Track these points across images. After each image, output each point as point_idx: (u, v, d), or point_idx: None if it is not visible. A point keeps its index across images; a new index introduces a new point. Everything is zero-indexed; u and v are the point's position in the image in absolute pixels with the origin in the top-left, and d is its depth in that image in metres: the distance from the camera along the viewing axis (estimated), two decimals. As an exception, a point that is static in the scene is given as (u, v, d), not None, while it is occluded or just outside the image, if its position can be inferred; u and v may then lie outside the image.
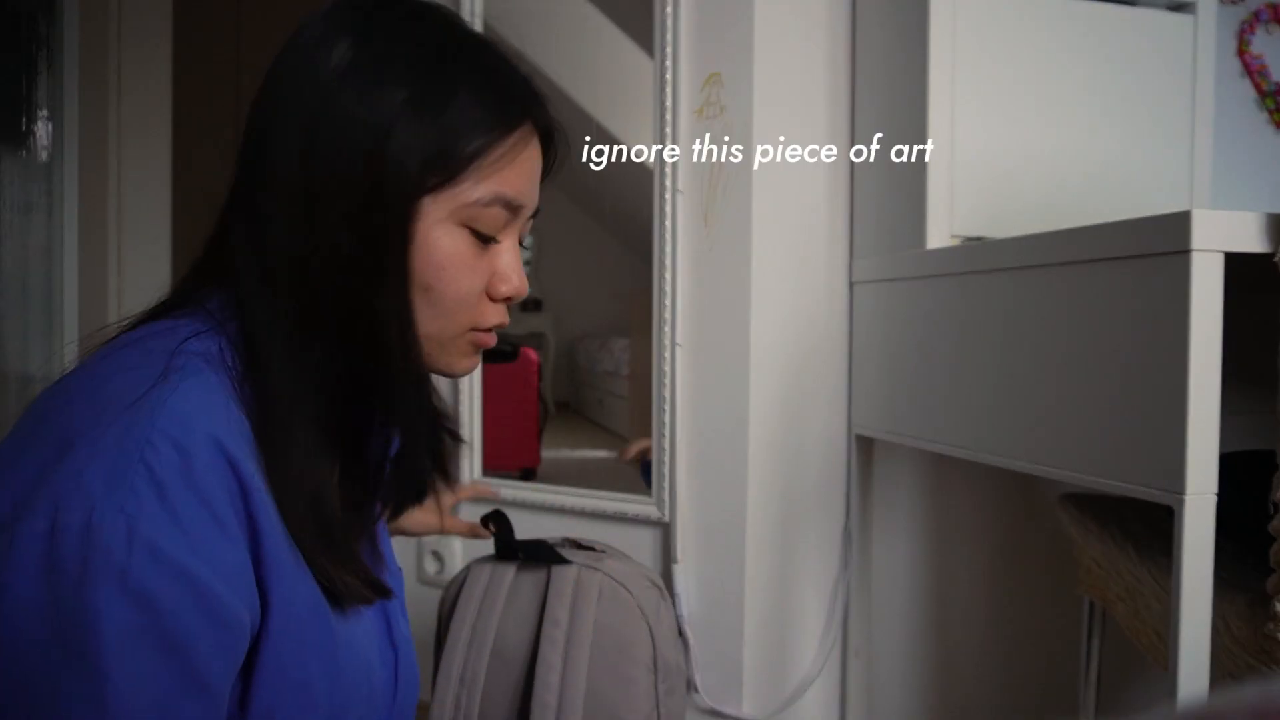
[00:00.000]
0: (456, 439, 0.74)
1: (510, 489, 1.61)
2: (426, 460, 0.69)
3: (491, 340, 0.67)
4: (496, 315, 0.66)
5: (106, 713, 0.48)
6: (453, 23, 0.65)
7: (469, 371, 0.68)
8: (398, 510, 0.73)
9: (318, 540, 0.58)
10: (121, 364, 0.56)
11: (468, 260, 0.62)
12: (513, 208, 0.64)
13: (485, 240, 0.63)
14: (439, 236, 0.61)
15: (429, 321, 0.62)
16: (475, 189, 0.61)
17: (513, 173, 0.63)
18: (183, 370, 0.54)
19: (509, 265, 0.65)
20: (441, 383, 1.67)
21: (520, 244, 0.68)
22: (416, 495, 0.72)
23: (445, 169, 0.60)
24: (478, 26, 1.60)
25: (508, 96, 0.63)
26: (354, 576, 0.61)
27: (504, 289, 0.65)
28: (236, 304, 0.60)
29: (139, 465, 0.50)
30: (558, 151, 0.70)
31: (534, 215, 0.68)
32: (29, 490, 0.49)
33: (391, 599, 0.67)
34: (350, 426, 0.62)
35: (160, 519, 0.50)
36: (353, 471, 0.65)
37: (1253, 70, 1.80)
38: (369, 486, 0.67)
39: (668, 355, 1.43)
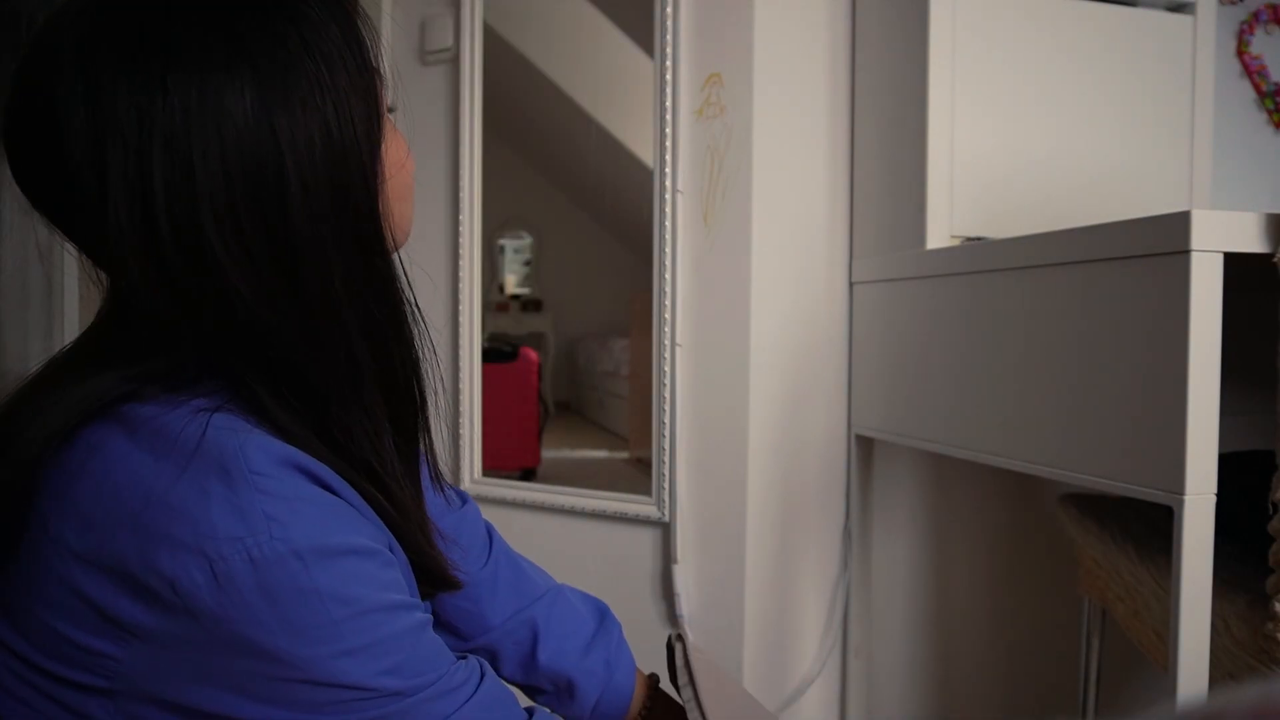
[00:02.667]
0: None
1: (510, 489, 1.61)
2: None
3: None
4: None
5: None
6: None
7: None
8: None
9: (415, 516, 0.61)
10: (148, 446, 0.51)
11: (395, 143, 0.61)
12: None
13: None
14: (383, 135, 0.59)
15: (402, 215, 0.62)
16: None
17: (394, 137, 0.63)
18: (221, 424, 0.52)
19: (398, 140, 0.63)
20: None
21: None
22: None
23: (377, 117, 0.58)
24: (477, 26, 1.60)
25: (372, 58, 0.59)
26: (441, 558, 0.64)
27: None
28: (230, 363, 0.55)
29: (255, 494, 0.49)
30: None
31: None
32: (157, 557, 0.48)
33: (460, 589, 0.68)
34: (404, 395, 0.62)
35: (308, 522, 0.51)
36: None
37: (1252, 70, 1.80)
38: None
39: (668, 355, 1.43)
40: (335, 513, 0.53)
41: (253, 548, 0.48)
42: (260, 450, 0.51)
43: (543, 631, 0.82)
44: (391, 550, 0.59)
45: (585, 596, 0.88)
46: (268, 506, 0.49)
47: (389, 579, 0.55)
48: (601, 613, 0.87)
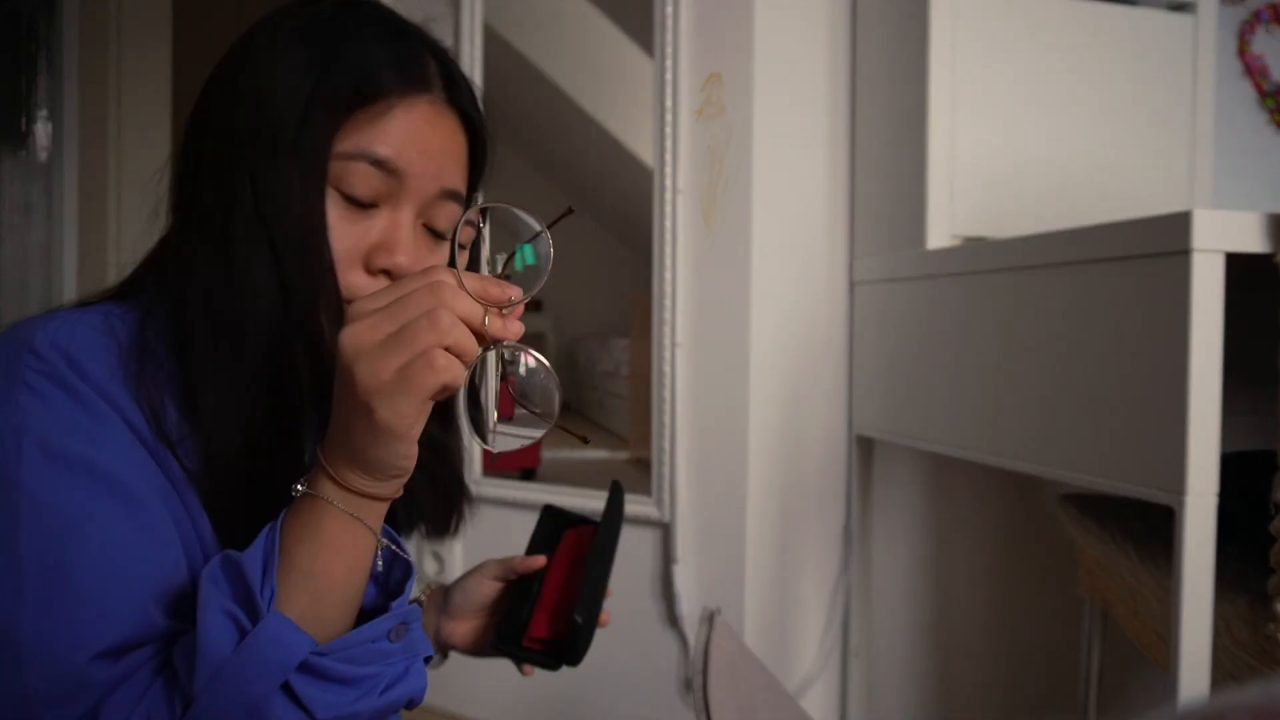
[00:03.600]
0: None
1: (510, 489, 1.61)
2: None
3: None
4: (369, 288, 0.59)
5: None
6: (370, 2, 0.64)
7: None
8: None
9: (240, 482, 0.57)
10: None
11: (335, 221, 0.58)
12: (387, 169, 0.59)
13: (360, 205, 0.59)
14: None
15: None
16: (342, 139, 0.58)
17: (393, 130, 0.59)
18: (68, 316, 0.56)
19: (389, 235, 0.60)
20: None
21: (445, 236, 0.63)
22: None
23: (330, 116, 0.57)
24: (477, 26, 1.60)
25: (392, 57, 0.60)
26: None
27: (380, 259, 0.59)
28: (160, 284, 0.60)
29: (19, 383, 0.53)
30: (484, 143, 0.66)
31: (458, 200, 0.63)
32: None
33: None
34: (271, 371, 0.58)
35: (43, 417, 0.53)
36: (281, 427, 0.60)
37: (1253, 70, 1.80)
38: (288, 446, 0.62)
39: (668, 355, 1.43)
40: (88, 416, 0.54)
41: None
42: (55, 331, 0.55)
43: None
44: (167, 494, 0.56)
45: None
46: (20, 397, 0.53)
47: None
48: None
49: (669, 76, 1.42)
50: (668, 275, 1.43)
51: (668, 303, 1.43)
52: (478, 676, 1.63)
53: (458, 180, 0.64)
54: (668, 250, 1.42)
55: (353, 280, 0.59)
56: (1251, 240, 0.80)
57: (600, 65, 1.69)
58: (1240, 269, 0.80)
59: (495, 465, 1.67)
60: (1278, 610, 0.80)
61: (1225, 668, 0.86)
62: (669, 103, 1.42)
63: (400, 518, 0.71)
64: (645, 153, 1.46)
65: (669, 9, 1.41)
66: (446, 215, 0.63)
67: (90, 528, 0.52)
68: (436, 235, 0.63)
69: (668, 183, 1.42)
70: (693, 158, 1.43)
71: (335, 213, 0.58)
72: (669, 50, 1.41)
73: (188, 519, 0.57)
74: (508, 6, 1.62)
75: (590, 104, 1.68)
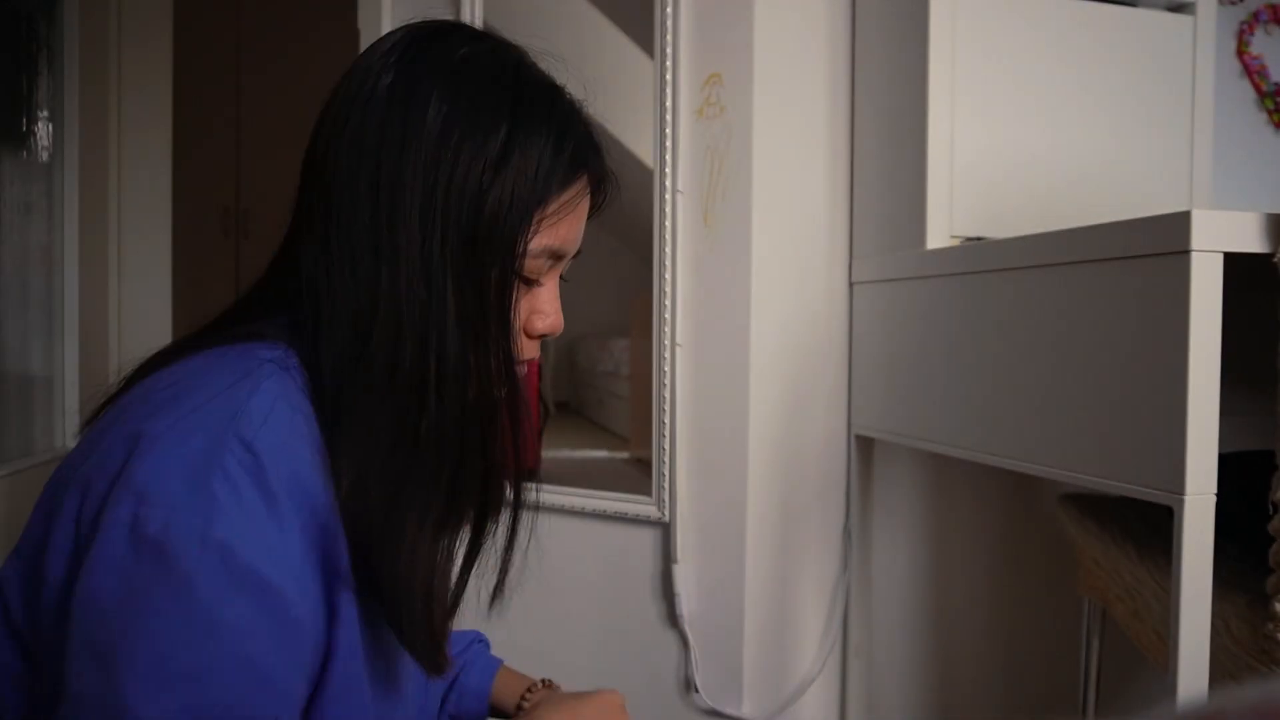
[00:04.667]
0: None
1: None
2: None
3: (524, 373, 0.67)
4: (531, 351, 0.67)
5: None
6: (527, 66, 0.69)
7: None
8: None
9: (421, 593, 0.59)
10: (201, 368, 0.57)
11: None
12: (558, 256, 0.65)
13: (529, 284, 0.65)
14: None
15: None
16: (534, 237, 0.62)
17: (565, 224, 0.64)
18: (260, 374, 0.56)
19: (547, 302, 0.66)
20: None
21: (562, 278, 0.70)
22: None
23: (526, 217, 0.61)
24: (477, 26, 1.60)
25: (575, 148, 0.64)
26: (436, 641, 0.62)
27: (540, 325, 0.66)
28: (308, 332, 0.60)
29: (218, 470, 0.52)
30: (606, 195, 0.71)
31: (576, 255, 0.70)
32: (115, 478, 0.52)
33: (443, 676, 0.67)
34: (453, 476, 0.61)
35: (234, 520, 0.51)
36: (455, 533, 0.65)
37: (1252, 70, 1.80)
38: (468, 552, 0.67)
39: (668, 355, 1.43)
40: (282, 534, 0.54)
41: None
42: (263, 415, 0.54)
43: None
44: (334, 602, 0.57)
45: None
46: (216, 486, 0.52)
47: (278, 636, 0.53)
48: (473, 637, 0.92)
49: (669, 76, 1.42)
50: (668, 275, 1.43)
51: (668, 303, 1.43)
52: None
53: (581, 240, 0.70)
54: (668, 250, 1.42)
55: (522, 346, 0.65)
56: (1250, 240, 0.80)
57: (600, 65, 1.69)
58: (1239, 269, 0.80)
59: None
60: (1277, 609, 0.80)
61: (1224, 667, 0.87)
62: (669, 103, 1.42)
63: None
64: (645, 153, 1.46)
65: (669, 9, 1.41)
66: (568, 266, 0.70)
67: (243, 642, 0.52)
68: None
69: (668, 183, 1.42)
70: (693, 158, 1.43)
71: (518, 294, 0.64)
72: (669, 50, 1.42)
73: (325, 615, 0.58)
74: (508, 6, 1.62)
75: (590, 104, 1.68)
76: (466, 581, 0.66)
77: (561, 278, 0.70)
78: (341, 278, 0.58)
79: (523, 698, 0.86)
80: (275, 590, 0.52)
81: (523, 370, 0.67)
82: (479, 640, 0.92)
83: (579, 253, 0.70)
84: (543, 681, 0.89)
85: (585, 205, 0.67)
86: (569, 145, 0.64)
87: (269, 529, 0.53)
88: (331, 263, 0.59)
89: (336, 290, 0.58)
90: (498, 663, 0.90)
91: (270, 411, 0.54)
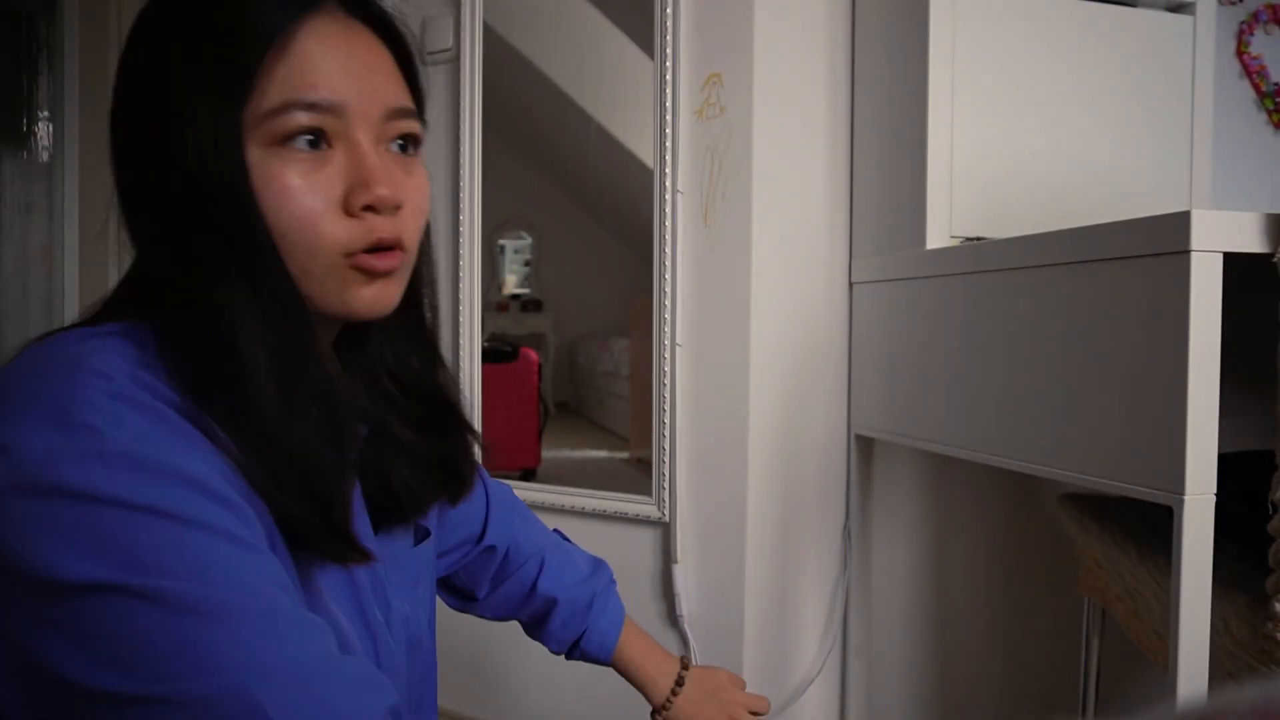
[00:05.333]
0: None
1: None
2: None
3: (379, 263, 0.58)
4: (366, 231, 0.57)
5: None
6: None
7: (376, 302, 0.60)
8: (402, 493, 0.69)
9: (304, 493, 0.55)
10: (37, 354, 0.54)
11: (296, 180, 0.56)
12: (320, 108, 0.56)
13: (313, 153, 0.56)
14: (251, 166, 0.55)
15: (285, 263, 0.57)
16: (264, 100, 0.55)
17: (297, 69, 0.56)
18: (97, 337, 0.54)
19: (358, 172, 0.57)
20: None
21: (406, 150, 0.61)
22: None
23: (233, 94, 0.55)
24: (477, 26, 1.60)
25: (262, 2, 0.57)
26: (340, 535, 0.57)
27: (360, 198, 0.57)
28: (152, 304, 0.57)
29: (85, 405, 0.49)
30: (396, 35, 0.62)
31: (407, 115, 0.61)
32: None
33: (369, 564, 0.61)
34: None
35: (123, 438, 0.48)
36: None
37: (1252, 71, 1.80)
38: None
39: (668, 355, 1.43)
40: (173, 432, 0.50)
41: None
42: (105, 362, 0.51)
43: (547, 563, 0.91)
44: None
45: (584, 553, 0.96)
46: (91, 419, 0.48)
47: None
48: (596, 561, 0.95)
49: (669, 76, 1.42)
50: (668, 275, 1.43)
51: (668, 303, 1.43)
52: (482, 679, 1.63)
53: (400, 95, 0.61)
54: (668, 250, 1.42)
55: (338, 230, 0.57)
56: (1250, 240, 0.80)
57: (600, 65, 1.69)
58: (1239, 269, 0.80)
59: (495, 465, 1.67)
60: (1276, 609, 0.80)
61: (1224, 667, 0.87)
62: (669, 103, 1.42)
63: (404, 485, 0.69)
64: (645, 153, 1.46)
65: (669, 9, 1.41)
66: (405, 129, 0.61)
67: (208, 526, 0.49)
68: (404, 153, 0.61)
69: (668, 183, 1.42)
70: (693, 158, 1.43)
71: (294, 173, 0.56)
72: (669, 50, 1.42)
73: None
74: (508, 6, 1.62)
75: (590, 104, 1.68)
76: (347, 473, 0.60)
77: (404, 146, 0.61)
78: (161, 261, 0.58)
79: (668, 697, 0.92)
80: (204, 481, 0.50)
81: (379, 260, 0.59)
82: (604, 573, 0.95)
83: (405, 113, 0.60)
84: (682, 661, 0.94)
85: (327, 45, 0.57)
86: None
87: (160, 435, 0.50)
88: (151, 251, 0.59)
89: (158, 270, 0.58)
90: (622, 613, 0.93)
91: (112, 353, 0.52)
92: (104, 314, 0.59)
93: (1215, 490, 0.81)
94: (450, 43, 1.63)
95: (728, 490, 1.41)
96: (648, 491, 1.47)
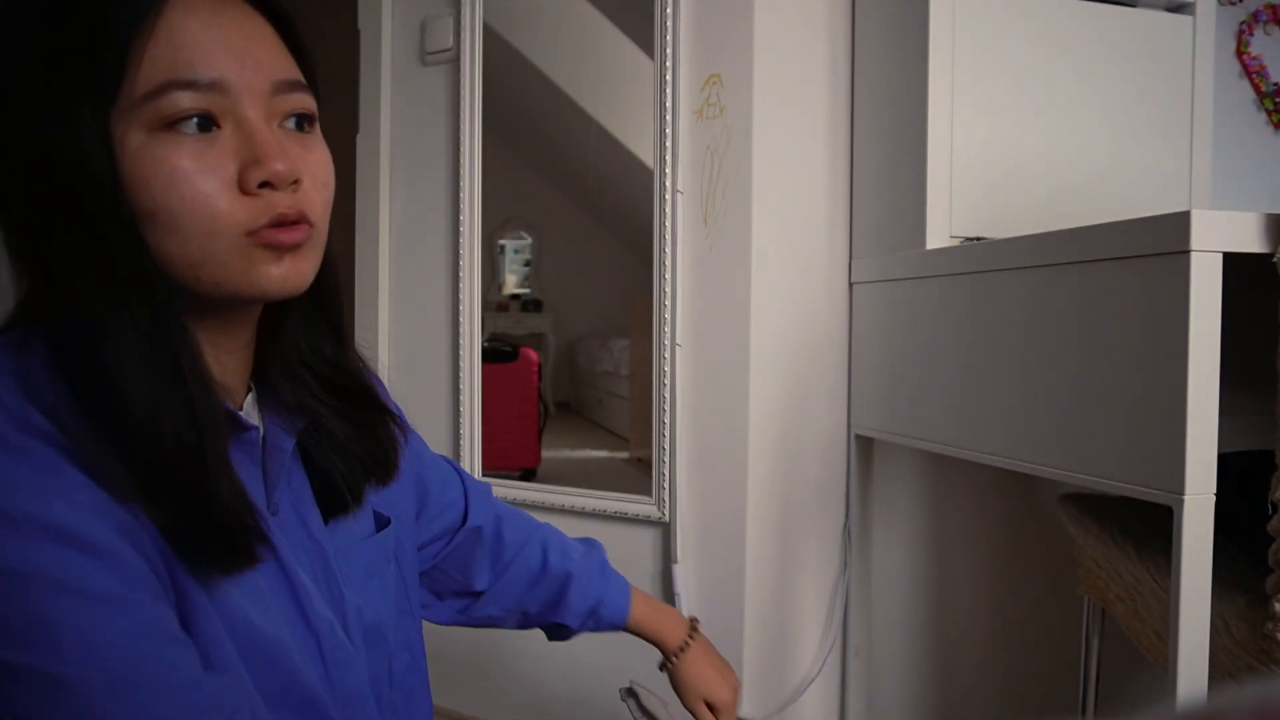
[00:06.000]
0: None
1: (510, 489, 1.61)
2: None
3: (284, 236, 0.56)
4: (267, 208, 0.55)
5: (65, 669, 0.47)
6: None
7: (286, 280, 0.58)
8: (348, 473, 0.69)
9: (178, 498, 0.53)
10: None
11: (185, 161, 0.54)
12: (199, 86, 0.54)
13: (200, 133, 0.54)
14: (132, 151, 0.53)
15: (180, 248, 0.54)
16: (138, 83, 0.53)
17: (172, 47, 0.53)
18: None
19: (249, 149, 0.55)
20: (442, 383, 1.68)
21: (302, 127, 0.59)
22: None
23: (99, 79, 0.52)
24: (477, 26, 1.60)
25: None
26: (218, 532, 0.55)
27: (254, 175, 0.55)
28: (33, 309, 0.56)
29: None
30: (291, 22, 0.60)
31: (297, 88, 0.59)
32: None
33: (265, 548, 0.58)
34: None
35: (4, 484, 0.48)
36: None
37: (1251, 71, 1.80)
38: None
39: (668, 355, 1.43)
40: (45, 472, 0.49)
41: None
42: None
43: (549, 543, 0.95)
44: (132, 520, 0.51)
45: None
46: None
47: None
48: (586, 539, 1.00)
49: (669, 77, 1.42)
50: (668, 275, 1.43)
51: (668, 303, 1.43)
52: (482, 677, 1.63)
53: (286, 68, 0.59)
54: (668, 250, 1.43)
55: (235, 209, 0.55)
56: (1250, 240, 0.80)
57: (600, 65, 1.70)
58: (1239, 269, 0.80)
59: (495, 465, 1.67)
60: (1276, 609, 0.80)
61: (1224, 667, 0.87)
62: (669, 103, 1.42)
63: (341, 476, 0.69)
64: (645, 153, 1.46)
65: (669, 9, 1.41)
66: (298, 105, 0.59)
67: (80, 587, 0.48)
68: (300, 130, 0.59)
69: (668, 183, 1.42)
70: (693, 158, 1.43)
71: (183, 155, 0.54)
72: (669, 50, 1.42)
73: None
74: (508, 6, 1.62)
75: (590, 104, 1.68)
76: (223, 473, 0.57)
77: (300, 123, 0.59)
78: (30, 264, 0.56)
79: (684, 643, 0.98)
80: (65, 528, 0.48)
81: (283, 234, 0.57)
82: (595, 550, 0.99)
83: (295, 86, 0.58)
84: (691, 622, 1.00)
85: (200, 20, 0.55)
86: None
87: (25, 476, 0.48)
88: (19, 253, 0.57)
89: (28, 275, 0.57)
90: (626, 581, 0.98)
91: None
92: (12, 321, 0.57)
93: (1215, 490, 0.81)
94: (450, 43, 1.63)
95: (728, 490, 1.41)
96: (648, 491, 1.47)
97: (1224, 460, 0.81)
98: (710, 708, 0.99)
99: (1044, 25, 1.33)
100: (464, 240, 1.63)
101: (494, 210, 1.67)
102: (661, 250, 1.43)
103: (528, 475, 1.71)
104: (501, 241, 1.91)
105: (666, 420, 1.44)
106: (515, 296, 1.96)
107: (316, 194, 0.59)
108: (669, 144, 1.42)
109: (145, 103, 0.53)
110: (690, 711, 0.98)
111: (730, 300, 1.40)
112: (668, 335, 1.43)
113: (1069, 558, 1.26)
